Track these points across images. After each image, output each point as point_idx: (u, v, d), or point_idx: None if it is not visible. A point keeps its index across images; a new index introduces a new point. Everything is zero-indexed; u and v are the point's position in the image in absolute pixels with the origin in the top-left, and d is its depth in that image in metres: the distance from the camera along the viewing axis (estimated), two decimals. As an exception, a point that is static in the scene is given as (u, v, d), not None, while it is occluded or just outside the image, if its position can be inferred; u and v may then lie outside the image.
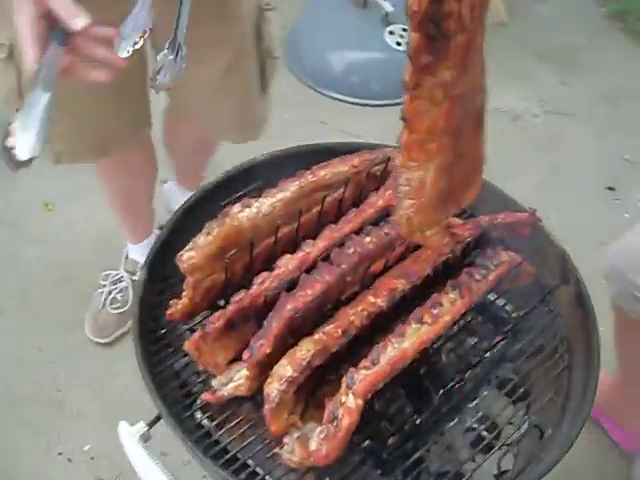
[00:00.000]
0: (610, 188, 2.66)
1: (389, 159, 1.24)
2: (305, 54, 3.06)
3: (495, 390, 1.21)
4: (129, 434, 1.05)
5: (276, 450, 1.03)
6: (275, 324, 1.02)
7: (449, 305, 1.07)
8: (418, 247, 1.18)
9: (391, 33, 2.95)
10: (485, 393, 1.19)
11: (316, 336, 1.02)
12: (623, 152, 2.78)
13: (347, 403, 0.96)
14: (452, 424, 1.15)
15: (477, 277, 1.12)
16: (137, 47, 1.02)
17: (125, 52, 1.01)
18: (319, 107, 2.94)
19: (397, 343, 1.02)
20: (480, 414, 1.16)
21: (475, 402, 1.18)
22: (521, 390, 1.19)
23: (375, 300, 1.07)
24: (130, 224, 2.12)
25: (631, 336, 1.70)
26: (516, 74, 3.13)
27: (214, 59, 1.57)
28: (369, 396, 0.98)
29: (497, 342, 1.14)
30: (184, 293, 1.10)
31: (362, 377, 0.98)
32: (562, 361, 1.22)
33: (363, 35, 2.98)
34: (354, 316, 1.05)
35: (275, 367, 0.99)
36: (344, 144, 1.42)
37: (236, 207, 1.11)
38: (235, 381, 1.06)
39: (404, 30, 2.97)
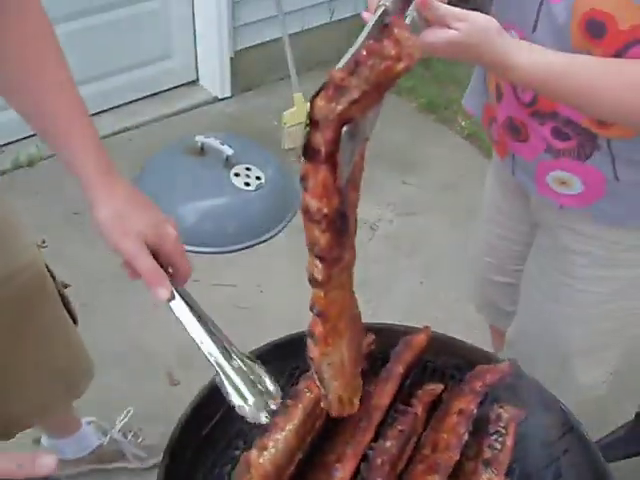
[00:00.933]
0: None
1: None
2: (154, 214, 3.00)
3: None
4: None
5: None
6: None
7: (489, 482, 1.07)
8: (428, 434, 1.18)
9: (237, 175, 2.97)
10: None
11: None
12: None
13: None
14: None
15: (498, 447, 1.13)
16: None
17: None
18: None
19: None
20: None
21: None
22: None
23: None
24: None
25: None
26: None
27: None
28: None
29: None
30: None
31: None
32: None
33: (209, 182, 2.97)
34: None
35: None
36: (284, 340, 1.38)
37: (254, 453, 1.05)
38: None
39: (247, 169, 3.01)
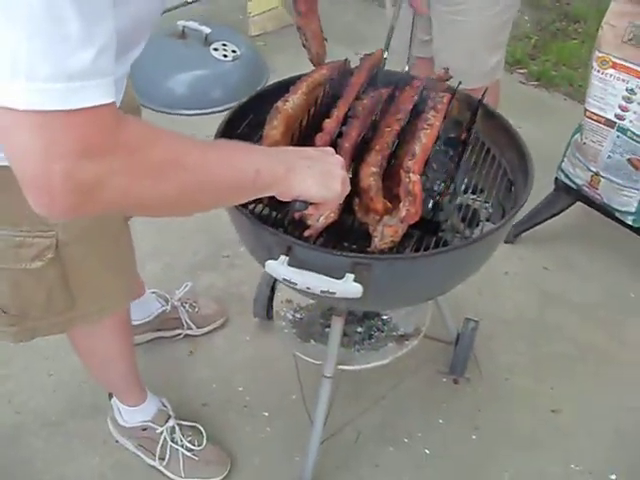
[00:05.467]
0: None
1: (346, 61, 1.84)
2: (150, 89, 3.45)
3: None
4: (281, 265, 1.47)
5: (370, 248, 1.53)
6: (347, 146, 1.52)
7: (433, 118, 1.65)
8: (391, 101, 1.76)
9: (215, 50, 3.51)
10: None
11: (377, 147, 1.55)
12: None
13: (412, 179, 1.50)
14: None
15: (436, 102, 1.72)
16: None
17: None
18: (183, 124, 3.37)
19: (419, 142, 1.58)
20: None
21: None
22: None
23: (392, 128, 1.62)
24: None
25: None
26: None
27: None
28: (421, 173, 1.52)
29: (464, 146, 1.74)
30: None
31: (412, 163, 1.52)
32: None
33: (193, 57, 3.50)
34: (387, 138, 1.59)
35: (361, 173, 1.50)
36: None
37: (280, 103, 1.62)
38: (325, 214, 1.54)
39: (224, 45, 3.55)
